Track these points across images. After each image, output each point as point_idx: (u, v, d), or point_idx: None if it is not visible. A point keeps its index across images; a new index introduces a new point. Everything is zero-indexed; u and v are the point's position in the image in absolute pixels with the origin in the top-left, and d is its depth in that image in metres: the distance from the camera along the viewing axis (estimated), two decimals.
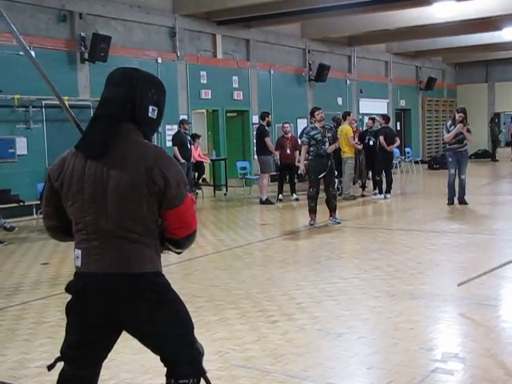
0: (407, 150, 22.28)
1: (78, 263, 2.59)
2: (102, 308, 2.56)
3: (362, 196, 14.20)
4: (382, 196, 13.56)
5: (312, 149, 9.96)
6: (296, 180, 14.59)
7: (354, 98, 21.39)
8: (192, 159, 14.10)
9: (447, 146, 12.48)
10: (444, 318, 5.23)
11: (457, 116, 12.16)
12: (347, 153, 13.79)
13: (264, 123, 13.69)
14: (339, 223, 10.11)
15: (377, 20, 17.38)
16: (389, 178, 13.71)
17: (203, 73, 15.68)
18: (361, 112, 21.24)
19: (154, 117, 2.65)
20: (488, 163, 24.34)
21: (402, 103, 24.52)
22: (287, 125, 14.09)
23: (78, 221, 2.58)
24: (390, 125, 15.29)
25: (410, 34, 19.61)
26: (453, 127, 12.04)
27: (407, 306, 5.53)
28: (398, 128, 24.32)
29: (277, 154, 13.52)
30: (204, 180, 15.65)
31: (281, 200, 13.51)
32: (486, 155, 25.58)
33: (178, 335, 2.63)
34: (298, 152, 14.15)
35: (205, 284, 6.59)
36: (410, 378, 3.96)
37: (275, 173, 14.68)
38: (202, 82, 15.66)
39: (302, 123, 17.57)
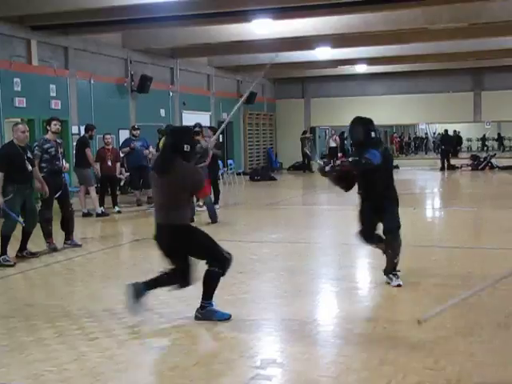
0: (230, 162, 22.76)
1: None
2: (161, 240, 5.35)
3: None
4: (204, 208, 13.53)
5: (44, 164, 8.86)
6: (118, 192, 14.28)
7: (176, 109, 21.45)
8: None
9: None
10: (265, 325, 5.36)
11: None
12: None
13: (87, 135, 13.25)
14: (80, 245, 9.26)
15: (199, 34, 17.54)
16: (216, 189, 13.76)
17: (17, 80, 14.81)
18: (184, 124, 21.33)
19: (188, 150, 5.32)
20: (305, 175, 25.57)
21: (224, 116, 25.03)
22: (108, 136, 13.74)
23: (153, 198, 6.04)
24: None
25: (231, 48, 20.06)
26: None
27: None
28: (221, 140, 24.78)
29: (97, 166, 13.06)
30: None
31: (106, 214, 13.01)
32: (304, 167, 26.77)
33: (204, 249, 5.41)
34: (118, 164, 13.90)
35: (18, 303, 6.19)
36: None
37: (96, 185, 14.23)
38: (15, 89, 14.79)
39: (123, 134, 17.23)
